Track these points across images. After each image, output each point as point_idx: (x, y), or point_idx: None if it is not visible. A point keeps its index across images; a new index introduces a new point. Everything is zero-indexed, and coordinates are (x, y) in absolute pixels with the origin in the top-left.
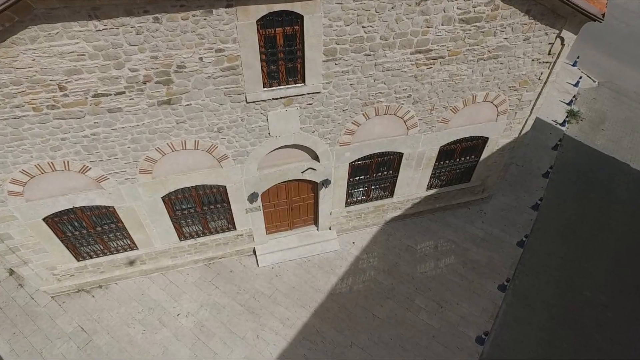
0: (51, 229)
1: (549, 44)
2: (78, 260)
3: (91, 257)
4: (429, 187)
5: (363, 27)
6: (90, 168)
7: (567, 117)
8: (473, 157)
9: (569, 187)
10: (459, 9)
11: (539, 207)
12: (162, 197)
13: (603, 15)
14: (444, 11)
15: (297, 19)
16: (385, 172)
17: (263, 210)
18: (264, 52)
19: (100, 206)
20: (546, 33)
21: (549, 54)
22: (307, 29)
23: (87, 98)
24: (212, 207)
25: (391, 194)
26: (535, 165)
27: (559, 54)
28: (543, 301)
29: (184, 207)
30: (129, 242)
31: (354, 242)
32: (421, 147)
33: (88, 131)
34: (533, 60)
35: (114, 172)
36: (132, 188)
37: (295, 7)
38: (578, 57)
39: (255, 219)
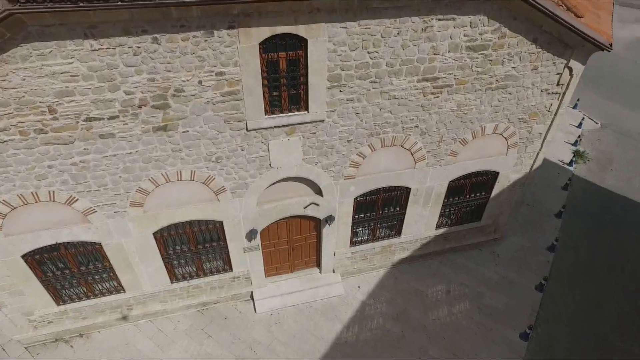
0: (30, 268)
1: (557, 74)
2: (58, 304)
3: (73, 300)
4: (438, 226)
5: (368, 52)
6: (78, 199)
7: (573, 157)
8: (483, 193)
9: (583, 227)
10: (466, 36)
11: (555, 248)
12: (153, 233)
13: (610, 45)
14: (451, 38)
15: (300, 43)
16: (392, 209)
17: (262, 250)
18: (266, 77)
19: (86, 242)
20: (554, 63)
21: (558, 84)
22: (310, 53)
23: (78, 122)
24: (207, 245)
25: (398, 233)
26: (546, 205)
27: (568, 84)
28: (568, 350)
29: (176, 245)
30: (116, 284)
31: (359, 286)
32: (429, 182)
33: (77, 158)
34: (542, 91)
35: (102, 205)
36: (122, 222)
37: (299, 30)
38: (578, 100)
39: (253, 260)
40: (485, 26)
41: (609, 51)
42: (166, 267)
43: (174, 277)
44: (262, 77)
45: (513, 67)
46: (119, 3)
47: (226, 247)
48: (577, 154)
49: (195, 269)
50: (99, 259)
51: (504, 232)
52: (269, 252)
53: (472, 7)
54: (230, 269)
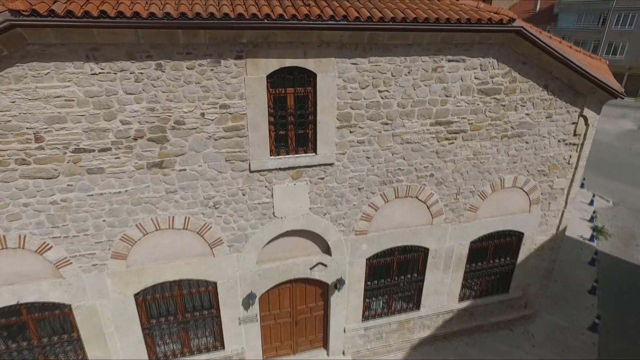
0: None
1: (573, 123)
2: None
3: None
4: (461, 298)
5: (379, 91)
6: (51, 247)
7: (594, 232)
8: (508, 259)
9: (621, 305)
10: (477, 78)
11: (598, 327)
12: (135, 295)
13: (623, 92)
14: (462, 80)
15: (309, 79)
16: (409, 275)
17: (261, 323)
18: (273, 113)
19: (54, 304)
20: (568, 111)
21: (575, 134)
22: (320, 89)
23: (65, 153)
24: (197, 314)
25: (417, 305)
26: (575, 281)
27: (585, 135)
28: None
29: (161, 312)
30: None
31: None
32: (449, 242)
33: (58, 196)
34: (559, 141)
35: (79, 255)
36: (99, 278)
37: (308, 64)
38: (584, 179)
39: (250, 335)
40: (495, 69)
41: (622, 98)
42: (146, 341)
43: (154, 354)
44: (269, 114)
45: (527, 114)
46: (124, 20)
47: (219, 317)
48: (597, 230)
49: (180, 346)
50: (66, 328)
51: (536, 307)
52: (268, 327)
53: (481, 49)
54: (222, 346)
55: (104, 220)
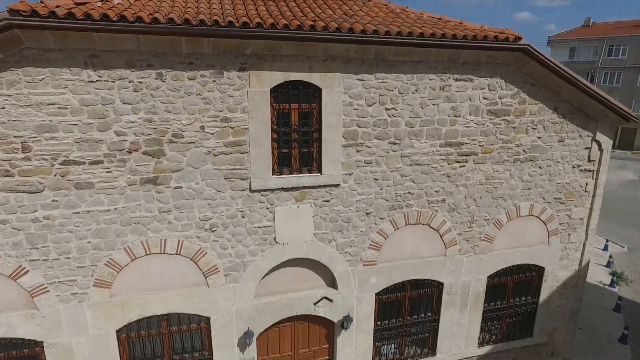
0: None
1: (586, 148)
2: None
3: None
4: (481, 343)
5: (387, 109)
6: (27, 271)
7: (613, 278)
8: (529, 297)
9: None
10: (485, 98)
11: None
12: (117, 331)
13: (636, 117)
14: (470, 100)
15: (314, 95)
16: (422, 314)
17: None
18: (276, 129)
19: (23, 341)
20: (580, 135)
21: (589, 160)
22: (325, 104)
23: (53, 165)
24: (186, 356)
25: (432, 350)
26: (603, 329)
27: (600, 161)
28: None
29: (146, 354)
30: None
31: None
32: (464, 276)
33: (41, 213)
34: (574, 167)
35: (58, 282)
36: (78, 311)
37: (314, 79)
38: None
39: None
40: (503, 90)
41: (636, 121)
42: None
43: None
44: (272, 130)
45: (539, 137)
46: (127, 25)
47: None
48: (617, 275)
49: None
50: None
51: (564, 355)
52: None
53: (488, 69)
54: None
55: (89, 242)
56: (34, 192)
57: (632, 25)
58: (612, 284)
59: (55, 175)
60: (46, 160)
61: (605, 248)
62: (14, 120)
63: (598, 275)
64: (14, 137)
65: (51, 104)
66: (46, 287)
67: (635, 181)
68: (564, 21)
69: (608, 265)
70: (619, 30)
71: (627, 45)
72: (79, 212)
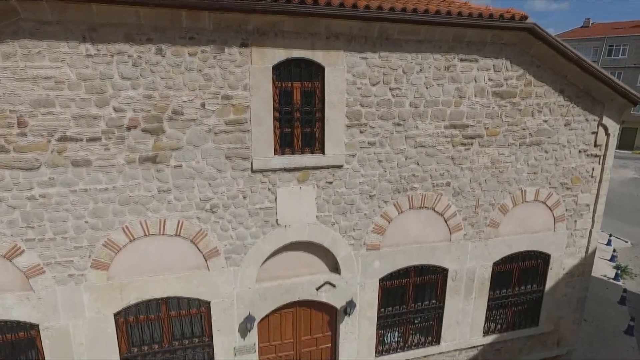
0: None
1: (593, 132)
2: None
3: None
4: (486, 332)
5: (390, 89)
6: (23, 251)
7: (618, 271)
8: (535, 285)
9: None
10: (490, 80)
11: None
12: (115, 315)
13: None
14: (475, 81)
15: (317, 73)
16: (427, 302)
17: (259, 357)
18: (278, 108)
19: (18, 324)
20: (587, 119)
21: (596, 145)
22: (328, 82)
23: (50, 141)
24: (186, 342)
25: (437, 339)
26: (608, 321)
27: (607, 146)
28: None
29: (145, 338)
30: None
31: None
32: (470, 263)
33: (37, 190)
34: (580, 152)
35: (55, 262)
36: (75, 292)
37: (316, 56)
38: None
39: None
40: (509, 71)
41: None
42: None
43: None
44: (274, 108)
45: (544, 120)
46: None
47: (211, 347)
48: (621, 269)
49: None
50: (30, 357)
51: (570, 345)
52: None
53: (494, 50)
54: None
55: (86, 221)
56: (30, 169)
57: (632, 25)
58: (617, 277)
59: (51, 152)
60: (42, 136)
61: (609, 243)
62: (9, 94)
63: (602, 269)
64: (10, 111)
65: (48, 78)
66: (42, 268)
67: (636, 179)
68: (562, 24)
69: (612, 259)
70: (619, 30)
71: (627, 45)
72: (76, 191)
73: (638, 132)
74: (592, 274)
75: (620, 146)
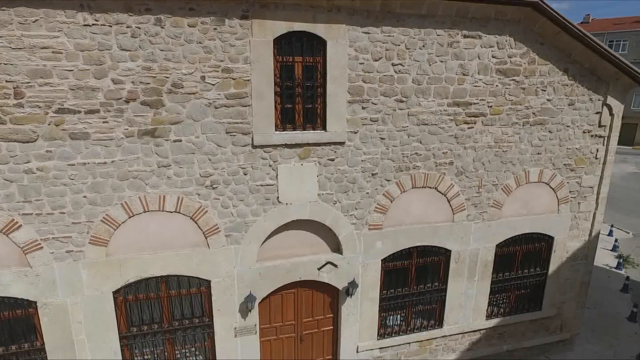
0: None
1: (597, 112)
2: None
3: None
4: (489, 315)
5: (393, 64)
6: (21, 226)
7: (620, 260)
8: (539, 269)
9: None
10: (494, 57)
11: None
12: (114, 293)
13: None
14: (479, 58)
15: (319, 48)
16: (429, 284)
17: (260, 338)
18: (279, 83)
19: (16, 301)
20: (591, 99)
21: (600, 125)
22: (330, 57)
23: (47, 113)
24: (186, 322)
25: (440, 322)
26: (611, 309)
27: (611, 126)
28: None
29: (144, 317)
30: None
31: None
32: (473, 244)
33: (35, 164)
34: (584, 132)
35: (52, 238)
36: (73, 269)
37: (318, 30)
38: None
39: (247, 351)
40: (512, 48)
41: None
42: (123, 355)
43: None
44: (275, 83)
45: (548, 100)
46: None
47: (211, 327)
48: (623, 259)
49: None
50: (28, 334)
51: (573, 331)
52: (268, 343)
53: (497, 26)
54: None
55: (84, 197)
56: (27, 142)
57: (632, 20)
58: (619, 266)
59: (49, 124)
60: (40, 107)
61: (610, 233)
62: (5, 64)
63: (604, 259)
64: (6, 81)
65: (45, 48)
66: (40, 244)
67: (636, 173)
68: None
69: (614, 249)
70: (619, 25)
71: (627, 40)
72: (74, 164)
73: (638, 127)
74: (595, 263)
75: (620, 142)
